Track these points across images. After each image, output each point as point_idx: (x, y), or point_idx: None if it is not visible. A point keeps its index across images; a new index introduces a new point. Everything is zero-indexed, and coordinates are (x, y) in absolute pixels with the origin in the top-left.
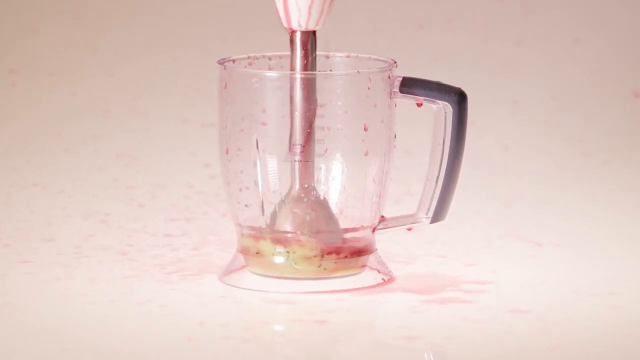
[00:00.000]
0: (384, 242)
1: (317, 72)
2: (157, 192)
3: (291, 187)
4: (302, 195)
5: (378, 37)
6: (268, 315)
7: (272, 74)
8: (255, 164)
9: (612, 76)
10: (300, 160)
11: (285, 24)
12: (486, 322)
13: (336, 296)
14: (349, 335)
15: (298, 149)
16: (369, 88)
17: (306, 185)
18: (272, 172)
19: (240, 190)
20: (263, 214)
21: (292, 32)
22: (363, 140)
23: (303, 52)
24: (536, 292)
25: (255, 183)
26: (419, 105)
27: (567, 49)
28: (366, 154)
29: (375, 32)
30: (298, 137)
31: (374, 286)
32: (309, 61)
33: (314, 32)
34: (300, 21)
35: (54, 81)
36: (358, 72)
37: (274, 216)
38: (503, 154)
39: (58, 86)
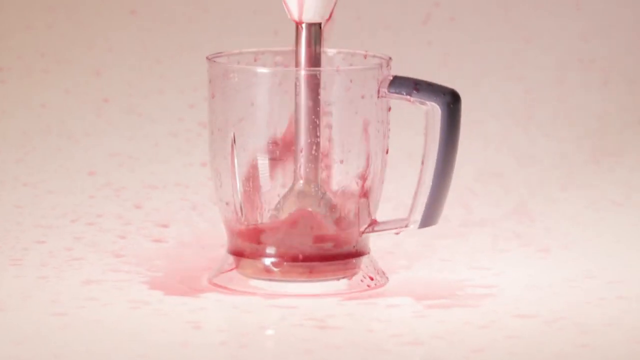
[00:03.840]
0: (386, 245)
1: (311, 69)
2: (151, 193)
3: (292, 185)
4: (294, 196)
5: (381, 34)
6: (265, 320)
7: (263, 69)
8: (245, 163)
9: (621, 77)
10: (287, 159)
11: (290, 16)
12: (490, 327)
13: (336, 300)
14: (348, 340)
15: (299, 148)
16: (357, 86)
17: (297, 186)
18: (263, 171)
19: (230, 189)
20: (262, 215)
21: (298, 25)
22: (352, 140)
23: (308, 46)
24: (542, 296)
25: (245, 182)
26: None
27: (574, 49)
28: (357, 154)
29: (377, 29)
30: (297, 137)
31: (368, 289)
32: (313, 56)
33: (319, 25)
34: (305, 13)
35: (45, 79)
36: (348, 68)
37: (270, 216)
38: (508, 155)
39: (50, 84)
